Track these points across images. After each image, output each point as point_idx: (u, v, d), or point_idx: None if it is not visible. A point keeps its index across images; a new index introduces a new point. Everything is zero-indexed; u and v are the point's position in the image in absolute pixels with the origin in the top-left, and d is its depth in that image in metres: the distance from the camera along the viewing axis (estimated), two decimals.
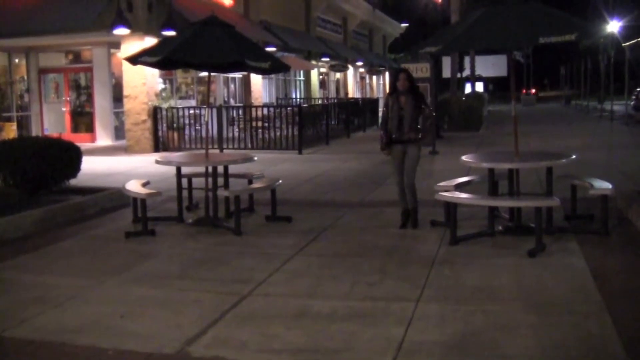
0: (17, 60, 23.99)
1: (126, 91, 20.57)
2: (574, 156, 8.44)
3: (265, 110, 22.40)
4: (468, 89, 42.69)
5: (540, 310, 5.55)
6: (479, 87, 52.52)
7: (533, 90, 68.45)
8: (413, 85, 8.81)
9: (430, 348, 4.83)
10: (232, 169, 10.15)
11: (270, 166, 15.37)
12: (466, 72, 45.17)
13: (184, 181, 10.08)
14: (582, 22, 8.91)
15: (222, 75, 26.65)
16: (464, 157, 8.66)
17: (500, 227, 8.38)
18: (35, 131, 23.51)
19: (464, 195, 8.25)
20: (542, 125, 28.96)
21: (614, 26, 36.03)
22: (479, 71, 48.46)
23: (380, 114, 20.35)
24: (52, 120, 24.46)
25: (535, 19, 7.94)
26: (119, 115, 23.57)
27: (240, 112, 23.27)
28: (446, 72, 37.29)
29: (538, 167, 9.05)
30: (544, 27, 7.77)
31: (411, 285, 6.33)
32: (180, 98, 25.80)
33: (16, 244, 8.48)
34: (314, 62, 35.37)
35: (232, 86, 29.01)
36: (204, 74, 17.47)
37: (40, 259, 7.84)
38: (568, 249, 7.50)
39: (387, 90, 9.27)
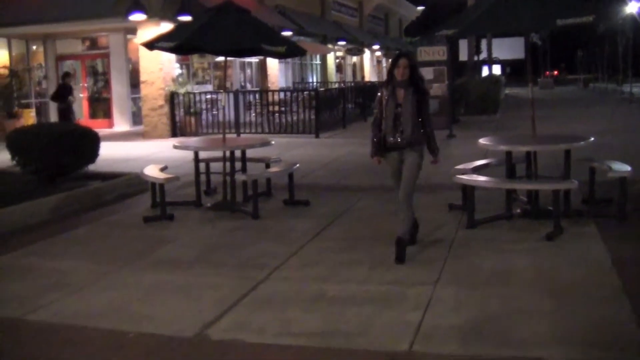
0: (34, 48, 24.12)
1: (143, 77, 20.65)
2: (592, 139, 8.37)
3: (282, 95, 22.42)
4: (485, 72, 42.43)
5: (558, 295, 5.54)
6: (496, 70, 52.13)
7: (556, 72, 67.90)
8: (415, 76, 6.90)
9: (447, 332, 4.84)
10: (250, 153, 10.17)
11: (287, 150, 15.38)
12: (483, 55, 44.87)
13: (202, 166, 10.11)
14: (599, 4, 8.82)
15: (238, 60, 26.69)
16: (481, 140, 8.60)
17: (517, 211, 8.35)
18: (53, 118, 23.58)
19: (481, 178, 8.22)
20: (560, 108, 28.76)
21: (632, 7, 35.63)
22: (495, 54, 48.10)
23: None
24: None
25: (552, 1, 7.87)
26: (136, 100, 23.67)
27: (257, 96, 23.32)
28: (463, 55, 37.12)
29: (556, 149, 8.94)
30: (561, 9, 7.70)
31: (428, 270, 6.33)
32: (197, 83, 25.82)
33: (35, 230, 8.55)
34: (330, 46, 35.29)
35: (248, 71, 29.03)
36: (221, 58, 17.52)
37: (59, 244, 7.91)
38: (586, 232, 7.46)
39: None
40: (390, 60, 6.88)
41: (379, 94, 7.03)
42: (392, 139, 6.85)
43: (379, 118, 6.95)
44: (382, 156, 7.00)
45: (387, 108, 6.84)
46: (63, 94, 18.27)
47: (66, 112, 18.13)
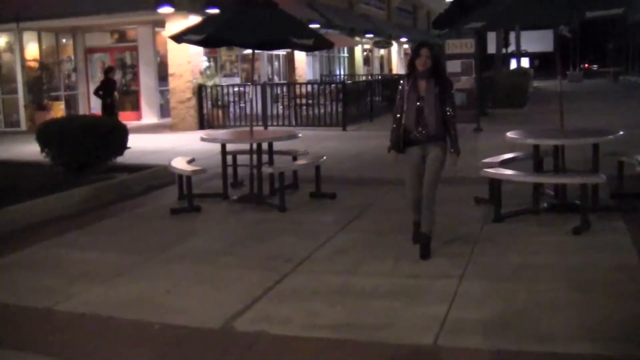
0: (64, 41, 24.34)
1: (171, 69, 20.75)
2: (621, 132, 8.29)
3: (309, 87, 22.42)
4: (513, 64, 42.10)
5: (585, 290, 5.51)
6: (525, 62, 51.72)
7: (586, 65, 67.38)
8: (438, 66, 6.74)
9: (473, 326, 4.83)
10: (277, 146, 10.18)
11: (314, 143, 15.38)
12: (511, 48, 44.52)
13: (229, 158, 10.15)
14: None
15: (266, 53, 26.72)
16: (508, 134, 8.55)
17: (544, 205, 8.30)
18: (82, 110, 23.87)
19: (508, 171, 8.17)
20: (589, 101, 28.47)
21: None
22: (524, 46, 47.70)
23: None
24: (99, 100, 24.72)
25: None
26: (164, 93, 23.79)
27: (284, 89, 23.33)
28: (491, 48, 36.83)
29: (584, 143, 8.86)
30: (590, 1, 7.63)
31: (454, 263, 6.32)
32: (225, 76, 25.91)
33: (64, 221, 8.65)
34: (357, 39, 35.23)
35: (276, 63, 29.07)
36: (248, 51, 17.53)
37: (87, 235, 8.00)
38: (614, 227, 7.40)
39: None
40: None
41: (399, 86, 6.82)
42: (414, 133, 6.62)
43: (400, 111, 6.71)
44: (401, 151, 6.70)
45: (408, 100, 6.60)
46: (107, 88, 18.00)
47: (111, 107, 17.87)
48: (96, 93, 18.46)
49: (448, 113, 6.59)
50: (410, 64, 6.70)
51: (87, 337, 4.96)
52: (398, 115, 6.71)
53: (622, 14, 7.72)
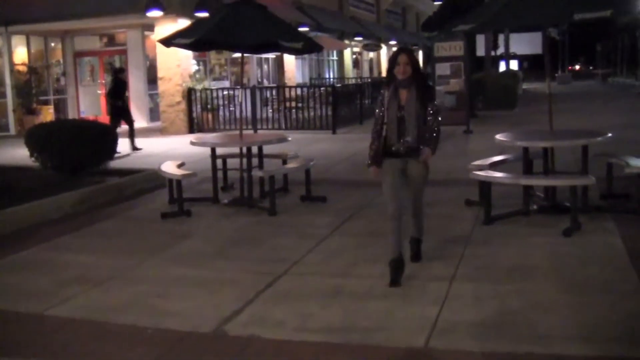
0: (53, 44, 24.30)
1: (160, 73, 20.74)
2: (610, 134, 8.33)
3: (298, 91, 22.44)
4: (502, 67, 42.25)
5: (576, 290, 5.54)
6: (514, 65, 51.89)
7: (578, 67, 67.70)
8: (418, 73, 6.20)
9: (465, 327, 4.85)
10: (267, 149, 10.20)
11: (304, 146, 15.39)
12: (500, 50, 44.69)
13: (219, 162, 10.15)
14: None
15: (255, 56, 26.73)
16: (498, 136, 8.57)
17: (535, 206, 8.33)
18: (71, 114, 23.83)
19: (498, 174, 8.20)
20: (578, 103, 28.58)
21: None
22: (513, 49, 47.90)
23: None
24: (88, 103, 24.75)
25: None
26: (153, 97, 23.79)
27: (274, 92, 23.35)
28: (480, 50, 36.92)
29: (573, 145, 8.89)
30: (579, 3, 7.67)
31: (446, 265, 6.33)
32: (214, 79, 25.93)
33: (56, 224, 8.64)
34: (347, 42, 35.28)
35: (265, 67, 29.07)
36: (238, 55, 17.53)
37: (79, 239, 7.99)
38: (604, 228, 7.44)
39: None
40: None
41: (379, 96, 6.35)
42: (395, 145, 6.16)
43: (380, 122, 6.26)
44: (379, 164, 6.21)
45: (389, 111, 6.14)
46: (118, 90, 16.67)
47: (122, 110, 16.69)
48: (109, 95, 16.94)
49: (430, 120, 6.14)
50: (389, 72, 6.23)
51: (79, 340, 4.95)
52: (378, 127, 6.27)
53: (610, 17, 7.75)
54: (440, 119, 6.24)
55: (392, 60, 6.14)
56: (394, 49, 46.79)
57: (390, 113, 6.13)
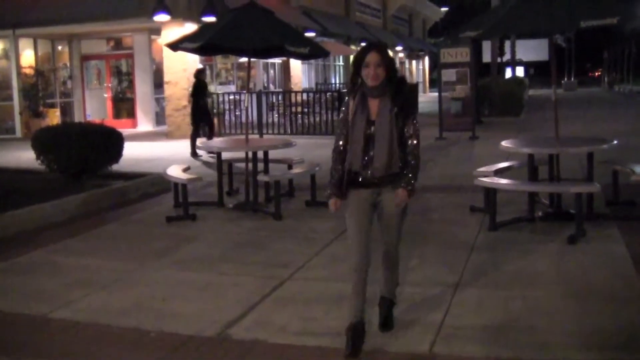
0: (60, 48, 24.35)
1: (167, 77, 20.78)
2: (615, 141, 8.33)
3: (304, 96, 22.43)
4: (508, 73, 42.21)
5: (580, 297, 5.53)
6: (520, 71, 51.89)
7: (598, 73, 68.07)
8: (394, 77, 4.64)
9: (469, 333, 4.85)
10: (272, 154, 10.21)
11: (309, 151, 15.36)
12: (507, 57, 44.67)
13: (225, 166, 10.16)
14: (624, 5, 8.76)
15: (261, 61, 26.75)
16: (503, 143, 8.57)
17: (540, 213, 8.32)
18: (77, 117, 23.88)
19: (503, 180, 8.20)
20: (584, 110, 28.53)
21: None
22: (519, 55, 47.84)
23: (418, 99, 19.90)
24: (94, 107, 24.79)
25: (576, 2, 7.82)
26: (159, 101, 23.81)
27: (280, 97, 23.37)
28: (486, 57, 36.89)
29: (579, 152, 8.89)
30: (585, 11, 7.67)
31: (450, 271, 6.33)
32: (220, 84, 25.95)
33: (61, 227, 8.66)
34: (353, 47, 35.28)
35: (271, 72, 29.10)
36: (244, 59, 17.59)
37: (84, 242, 8.00)
38: (609, 235, 7.42)
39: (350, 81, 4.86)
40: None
41: (343, 108, 4.78)
42: (361, 172, 4.65)
43: (343, 141, 4.71)
44: (344, 197, 4.73)
45: (354, 128, 4.61)
46: (200, 90, 16.23)
47: (202, 111, 16.27)
48: (193, 95, 16.28)
49: (410, 145, 4.60)
50: (355, 76, 4.67)
51: (83, 343, 4.96)
52: (341, 148, 4.72)
53: (617, 24, 7.74)
54: (419, 141, 4.65)
55: (359, 60, 4.58)
56: (400, 54, 46.89)
57: (356, 130, 4.60)
